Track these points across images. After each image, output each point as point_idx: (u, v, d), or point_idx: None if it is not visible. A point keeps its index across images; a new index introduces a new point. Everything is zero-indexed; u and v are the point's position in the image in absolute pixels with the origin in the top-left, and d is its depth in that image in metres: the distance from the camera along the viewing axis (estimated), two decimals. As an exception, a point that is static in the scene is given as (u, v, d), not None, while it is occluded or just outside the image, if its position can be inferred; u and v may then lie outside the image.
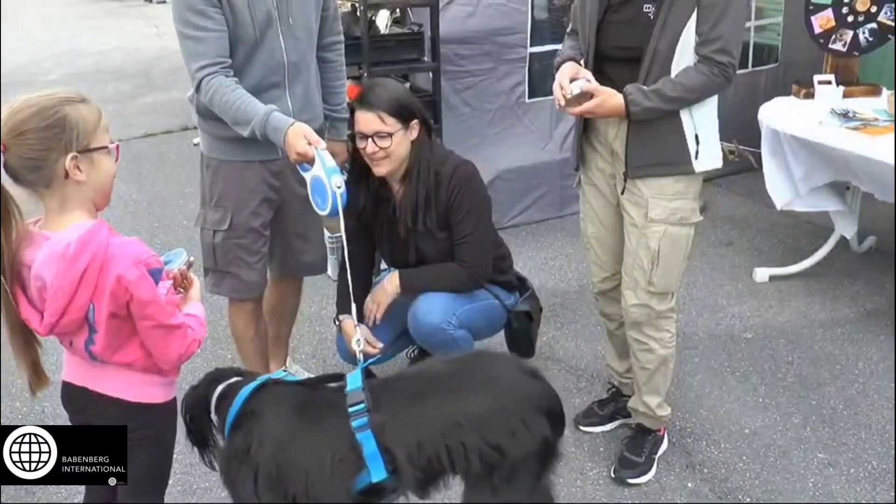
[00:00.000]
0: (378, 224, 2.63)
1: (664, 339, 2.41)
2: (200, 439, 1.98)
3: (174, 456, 1.90)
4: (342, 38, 2.71)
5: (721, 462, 2.58)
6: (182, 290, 1.79)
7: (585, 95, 2.14)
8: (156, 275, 1.62)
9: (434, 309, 2.53)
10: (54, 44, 12.57)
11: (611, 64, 2.22)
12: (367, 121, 2.39)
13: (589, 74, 2.18)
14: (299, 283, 2.95)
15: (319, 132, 2.52)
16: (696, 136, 2.19)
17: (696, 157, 2.21)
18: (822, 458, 2.59)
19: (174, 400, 1.84)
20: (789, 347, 3.22)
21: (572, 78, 2.16)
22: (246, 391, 1.86)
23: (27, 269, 1.58)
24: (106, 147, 1.61)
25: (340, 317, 2.64)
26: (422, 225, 2.50)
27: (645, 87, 2.13)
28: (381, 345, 2.59)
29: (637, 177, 2.24)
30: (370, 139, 2.39)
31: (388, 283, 2.58)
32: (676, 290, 2.42)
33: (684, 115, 2.18)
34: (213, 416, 1.93)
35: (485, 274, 2.61)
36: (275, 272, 2.80)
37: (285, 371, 2.66)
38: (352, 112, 2.48)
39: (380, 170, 2.46)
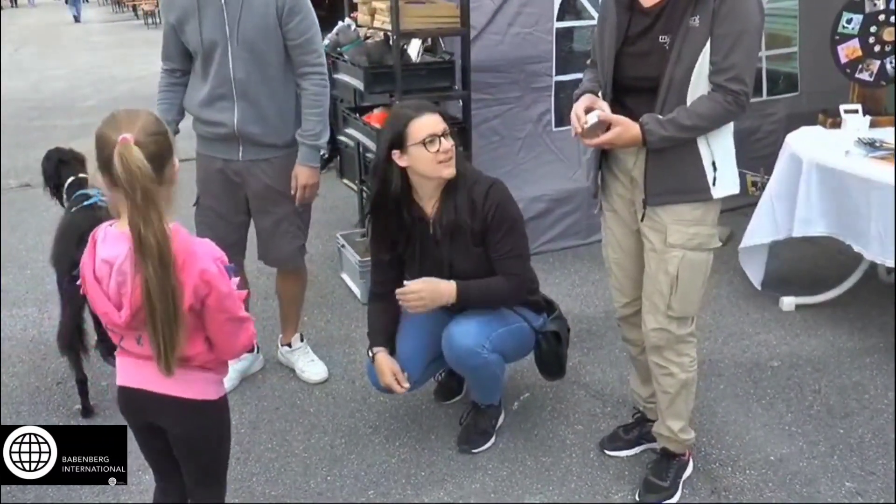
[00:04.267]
0: (410, 246, 2.66)
1: (685, 364, 2.43)
2: None
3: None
4: (317, 69, 2.90)
5: (747, 489, 2.58)
6: None
7: (602, 126, 2.18)
8: (229, 271, 1.74)
9: (469, 332, 2.58)
10: (93, 71, 12.92)
11: (628, 94, 2.27)
12: (436, 121, 2.48)
13: (605, 106, 2.22)
14: (296, 272, 3.22)
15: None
16: (714, 164, 2.23)
17: (714, 184, 2.24)
18: (850, 486, 2.58)
19: (226, 397, 1.93)
20: (816, 376, 3.22)
21: (588, 108, 2.21)
22: None
23: (107, 266, 1.67)
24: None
25: (374, 349, 2.69)
26: (460, 241, 2.54)
27: (661, 117, 2.17)
28: (408, 385, 2.64)
29: (656, 204, 2.27)
30: (442, 138, 2.46)
31: (445, 288, 2.55)
32: (696, 315, 2.44)
33: (701, 143, 2.21)
34: None
35: (530, 286, 2.68)
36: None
37: None
38: (397, 134, 2.48)
39: (451, 170, 2.51)
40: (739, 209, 4.24)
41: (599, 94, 2.33)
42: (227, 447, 1.99)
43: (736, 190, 2.31)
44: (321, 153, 3.03)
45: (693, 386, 2.49)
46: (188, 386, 1.78)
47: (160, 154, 1.63)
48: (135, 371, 1.80)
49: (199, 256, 1.66)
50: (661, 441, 2.58)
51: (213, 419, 1.89)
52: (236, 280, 1.77)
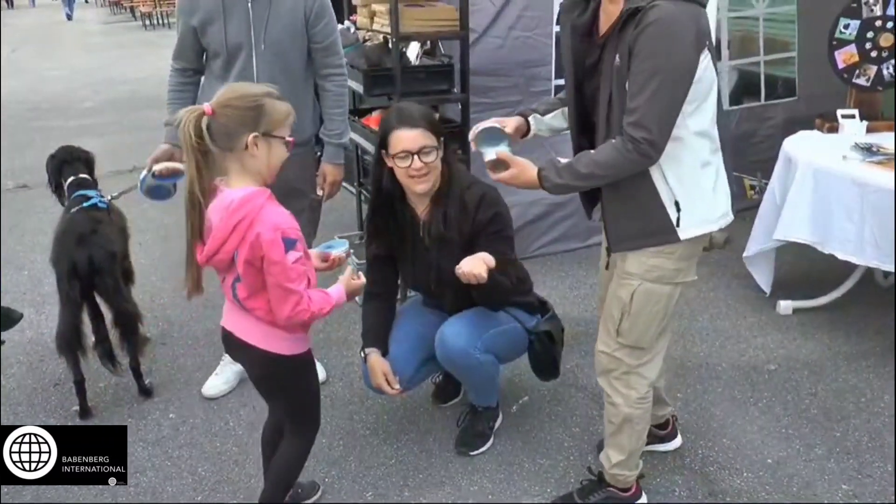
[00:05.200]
0: (403, 245, 2.68)
1: (630, 398, 2.30)
2: None
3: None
4: (340, 70, 3.00)
5: (744, 491, 2.58)
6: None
7: (503, 163, 2.15)
8: (288, 243, 1.94)
9: (461, 333, 2.59)
10: (92, 72, 12.90)
11: (593, 128, 2.18)
12: (412, 138, 2.42)
13: (515, 136, 2.25)
14: None
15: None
16: (677, 204, 2.07)
17: (679, 226, 2.08)
18: (846, 489, 2.59)
19: (304, 355, 2.17)
20: (813, 379, 3.23)
21: (492, 129, 2.24)
22: None
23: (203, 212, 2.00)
24: (283, 138, 1.98)
25: (366, 350, 2.69)
26: (448, 245, 2.53)
27: (560, 162, 2.09)
28: (398, 386, 2.64)
29: (620, 250, 2.17)
30: (415, 156, 2.43)
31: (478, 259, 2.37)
32: (655, 351, 2.30)
33: (658, 182, 2.06)
34: None
35: (522, 288, 2.68)
36: None
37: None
38: (382, 137, 2.51)
39: (423, 187, 2.49)
40: (738, 213, 4.23)
41: (533, 118, 2.34)
42: (304, 398, 2.23)
43: (712, 227, 2.15)
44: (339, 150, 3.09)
45: (640, 426, 2.36)
46: (261, 337, 2.07)
47: (226, 124, 1.90)
48: (227, 315, 2.16)
49: (262, 221, 1.91)
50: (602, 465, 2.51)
51: (281, 371, 2.13)
52: (295, 254, 1.95)
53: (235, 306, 2.09)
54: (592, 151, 2.06)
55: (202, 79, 3.01)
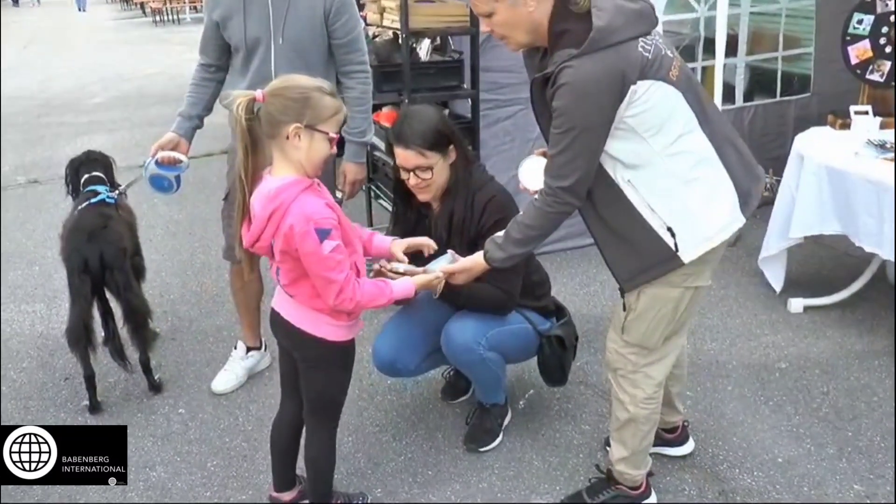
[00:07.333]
0: (419, 234, 2.67)
1: (637, 398, 2.30)
2: None
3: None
4: (362, 67, 2.96)
5: (754, 490, 2.57)
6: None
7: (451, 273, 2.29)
8: (322, 233, 1.96)
9: (466, 328, 2.59)
10: (100, 68, 12.94)
11: None
12: (406, 157, 2.49)
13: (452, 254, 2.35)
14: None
15: None
16: (670, 229, 2.06)
17: (678, 250, 2.07)
18: (858, 489, 2.57)
19: (348, 343, 2.19)
20: (824, 378, 3.21)
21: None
22: None
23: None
24: (327, 133, 1.99)
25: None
26: (455, 240, 2.54)
27: (500, 236, 2.19)
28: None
29: (631, 289, 2.17)
30: (412, 172, 2.50)
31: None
32: (663, 353, 2.29)
33: (645, 214, 2.06)
34: None
35: (513, 301, 2.62)
36: None
37: None
38: (390, 143, 2.57)
39: (424, 196, 2.58)
40: (748, 210, 4.21)
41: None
42: (334, 387, 2.25)
43: (713, 244, 2.10)
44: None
45: (645, 426, 2.35)
46: (304, 319, 2.12)
47: (271, 112, 1.95)
48: (277, 297, 2.21)
49: (293, 213, 1.94)
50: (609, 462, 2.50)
51: (322, 355, 2.17)
52: (331, 243, 1.96)
53: (279, 285, 2.16)
54: (520, 215, 2.16)
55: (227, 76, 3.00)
